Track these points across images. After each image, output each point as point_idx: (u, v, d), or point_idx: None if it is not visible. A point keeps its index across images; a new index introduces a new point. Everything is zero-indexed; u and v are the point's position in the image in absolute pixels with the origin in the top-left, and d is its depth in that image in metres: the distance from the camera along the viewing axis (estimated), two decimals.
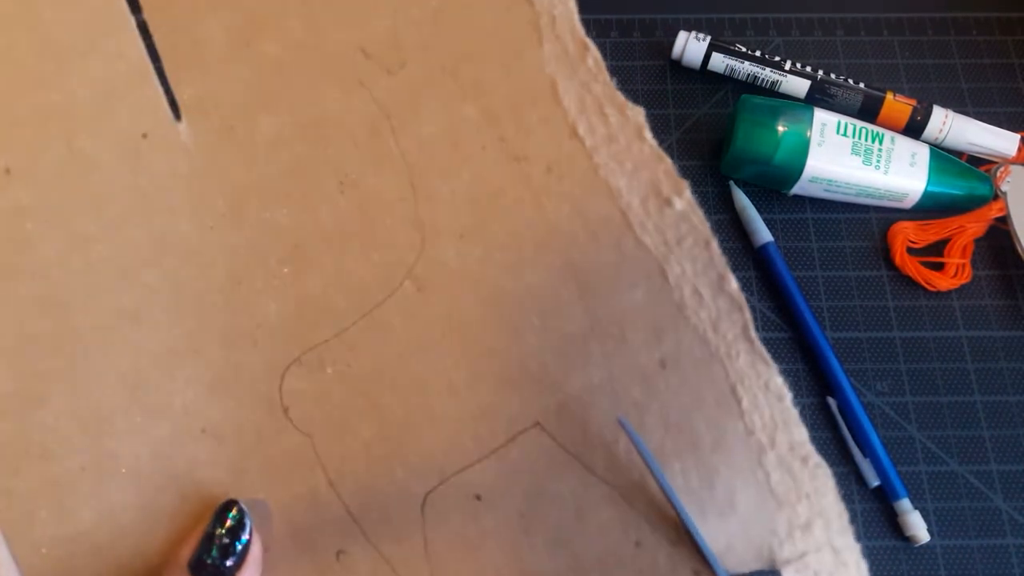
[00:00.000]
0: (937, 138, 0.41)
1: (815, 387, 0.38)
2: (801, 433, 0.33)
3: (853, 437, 0.36)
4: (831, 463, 0.37)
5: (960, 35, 0.45)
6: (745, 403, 0.33)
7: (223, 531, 0.30)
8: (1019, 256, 0.39)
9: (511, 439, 0.34)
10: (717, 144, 0.43)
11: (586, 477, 0.33)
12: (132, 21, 0.38)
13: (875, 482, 0.36)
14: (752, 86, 0.44)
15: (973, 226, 0.40)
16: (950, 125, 0.41)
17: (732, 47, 0.43)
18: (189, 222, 0.36)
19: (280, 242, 0.36)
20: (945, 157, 0.40)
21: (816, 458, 0.32)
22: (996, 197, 0.40)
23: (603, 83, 0.37)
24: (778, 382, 0.33)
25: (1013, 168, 0.40)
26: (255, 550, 0.31)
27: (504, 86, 0.38)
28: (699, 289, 0.35)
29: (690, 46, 0.43)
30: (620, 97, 0.37)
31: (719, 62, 0.43)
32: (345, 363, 0.35)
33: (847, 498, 0.36)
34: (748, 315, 0.34)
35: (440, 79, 0.38)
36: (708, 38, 0.43)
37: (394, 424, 0.34)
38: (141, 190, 0.36)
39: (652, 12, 0.46)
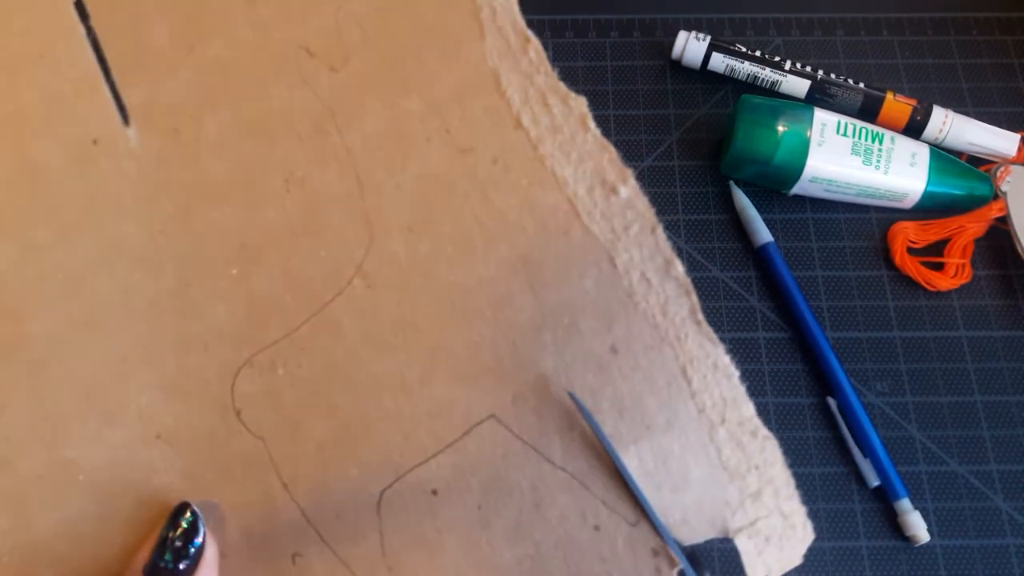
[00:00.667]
0: (937, 138, 0.41)
1: (815, 387, 0.38)
2: (749, 408, 0.34)
3: (853, 437, 0.36)
4: (831, 463, 0.37)
5: (960, 35, 0.45)
6: (695, 383, 0.34)
7: (176, 535, 0.30)
8: (1019, 256, 0.39)
9: (466, 432, 0.34)
10: (717, 144, 0.43)
11: (543, 465, 0.34)
12: (81, 29, 0.38)
13: (875, 482, 0.36)
14: (752, 86, 0.44)
15: (973, 226, 0.40)
16: (950, 125, 0.41)
17: (732, 47, 0.43)
18: (138, 227, 0.36)
19: (227, 243, 0.36)
20: (945, 157, 0.40)
21: (764, 431, 0.33)
22: (996, 197, 0.40)
23: (545, 74, 0.38)
24: (725, 361, 0.34)
25: (1013, 168, 0.40)
26: (209, 553, 0.31)
27: (447, 79, 0.38)
28: (647, 275, 0.35)
29: (690, 46, 0.43)
30: (563, 88, 0.38)
31: (719, 62, 0.43)
32: (296, 363, 0.35)
33: (847, 498, 0.36)
34: (695, 298, 0.34)
35: (383, 74, 0.38)
36: (708, 38, 0.43)
37: (347, 423, 0.34)
38: (92, 196, 0.36)
39: (652, 12, 0.46)
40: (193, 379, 0.34)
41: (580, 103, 0.37)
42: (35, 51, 0.38)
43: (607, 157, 0.37)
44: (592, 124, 0.37)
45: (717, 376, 0.34)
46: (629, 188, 0.36)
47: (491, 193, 0.37)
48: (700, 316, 0.34)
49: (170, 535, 0.30)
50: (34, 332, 0.35)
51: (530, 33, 0.38)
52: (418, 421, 0.34)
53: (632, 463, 0.33)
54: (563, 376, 0.34)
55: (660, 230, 0.35)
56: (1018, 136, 0.41)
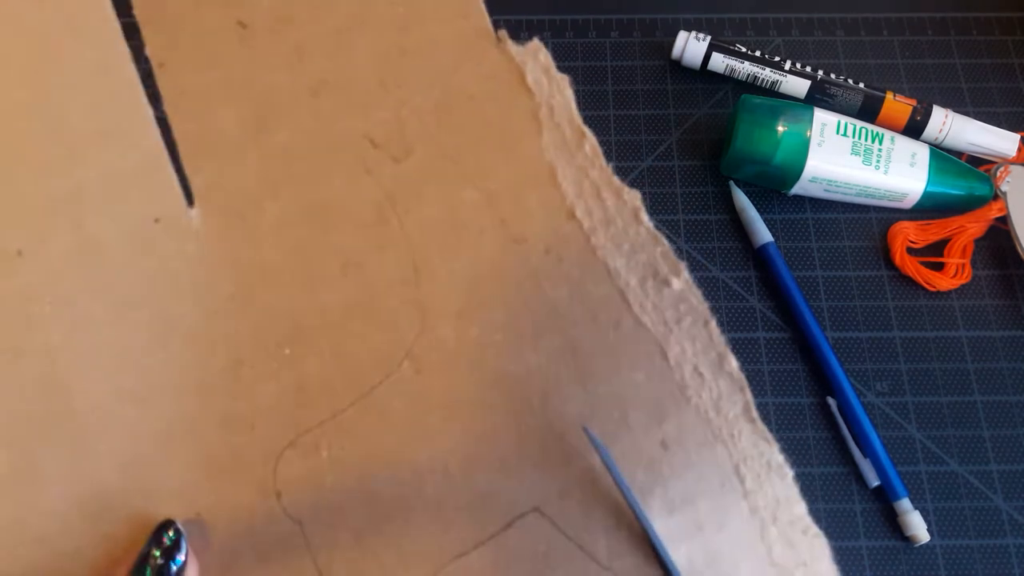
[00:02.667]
0: (937, 138, 0.41)
1: (815, 387, 0.38)
2: (801, 507, 0.33)
3: (853, 437, 0.36)
4: (831, 463, 0.37)
5: (960, 35, 0.45)
6: (748, 483, 0.34)
7: (158, 552, 0.30)
8: (1019, 256, 0.39)
9: (508, 524, 0.33)
10: (717, 144, 0.43)
11: (587, 564, 0.33)
12: (150, 111, 0.39)
13: (875, 482, 0.36)
14: (752, 86, 0.44)
15: (973, 226, 0.40)
16: (950, 125, 0.41)
17: (732, 47, 0.43)
18: (195, 306, 0.36)
19: (282, 324, 0.36)
20: (945, 157, 0.40)
21: (814, 529, 0.33)
22: (996, 197, 0.40)
23: (600, 168, 0.38)
24: (779, 460, 0.34)
25: (1013, 168, 0.40)
26: (191, 571, 0.31)
27: (504, 171, 0.38)
28: (699, 369, 0.35)
29: (690, 46, 0.43)
30: (617, 181, 0.38)
31: (719, 62, 0.43)
32: (340, 447, 0.34)
33: (847, 498, 0.36)
34: (749, 395, 0.34)
35: (443, 166, 0.39)
36: (708, 38, 0.43)
37: (386, 510, 0.34)
38: (150, 274, 0.37)
39: (652, 12, 0.46)
40: (237, 459, 0.34)
41: (634, 196, 0.37)
42: (99, 131, 0.38)
43: (660, 250, 0.37)
44: (645, 217, 0.37)
45: (771, 476, 0.33)
46: (682, 281, 0.36)
47: (543, 282, 0.37)
48: (754, 413, 0.34)
49: (152, 552, 0.30)
50: (80, 406, 0.35)
51: (586, 129, 0.39)
52: (459, 511, 0.33)
53: (681, 561, 0.32)
54: (607, 472, 0.34)
55: (713, 324, 0.35)
56: (1018, 136, 0.41)
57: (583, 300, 0.36)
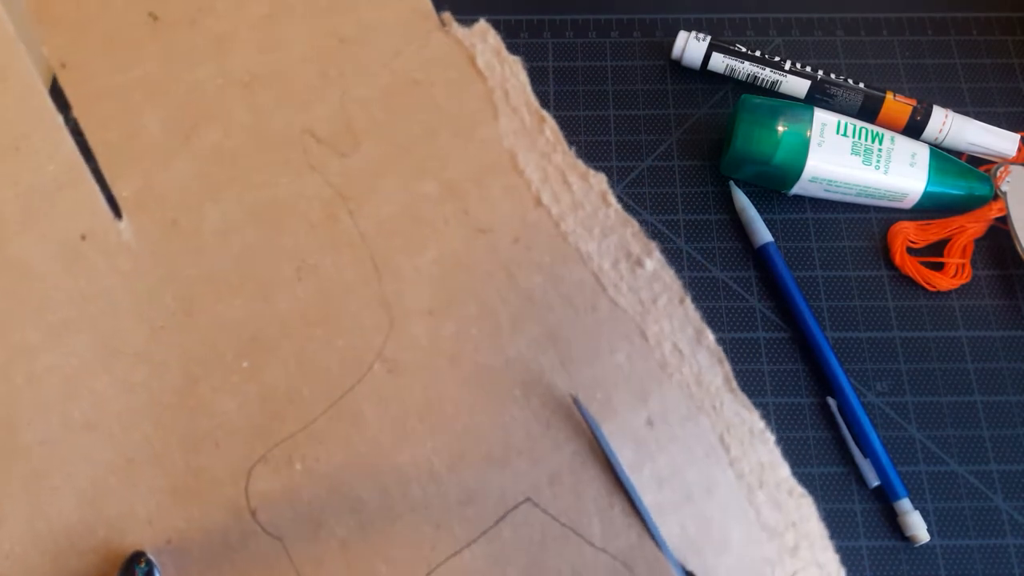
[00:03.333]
0: (937, 138, 0.41)
1: (815, 387, 0.38)
2: (785, 470, 0.34)
3: (853, 437, 0.36)
4: (831, 463, 0.37)
5: (960, 35, 0.45)
6: (733, 450, 0.34)
7: None
8: (1019, 256, 0.39)
9: (501, 518, 0.33)
10: (717, 144, 0.43)
11: (583, 548, 0.32)
12: (60, 119, 0.37)
13: (875, 482, 0.36)
14: (752, 86, 0.44)
15: (973, 226, 0.40)
16: (950, 125, 0.41)
17: (732, 47, 0.43)
18: (137, 323, 0.35)
19: (237, 335, 0.35)
20: (945, 157, 0.40)
21: (800, 489, 0.33)
22: (996, 197, 0.40)
23: (563, 152, 0.37)
24: (761, 426, 0.34)
25: (1013, 168, 0.40)
26: None
27: (463, 160, 0.37)
28: (679, 346, 0.35)
29: (690, 46, 0.43)
30: (581, 165, 0.37)
31: (719, 62, 0.43)
32: (314, 457, 0.33)
33: (847, 498, 0.36)
34: (728, 367, 0.34)
35: (396, 157, 0.37)
36: (708, 38, 0.43)
37: (372, 518, 0.33)
38: (83, 294, 0.35)
39: (652, 12, 0.46)
40: (204, 479, 0.33)
41: (600, 179, 0.37)
42: (9, 144, 0.36)
43: (630, 231, 0.36)
44: (613, 199, 0.37)
45: (754, 441, 0.34)
46: (654, 260, 0.36)
47: (515, 272, 0.36)
48: (734, 384, 0.34)
49: None
50: (28, 441, 0.33)
51: (545, 112, 0.38)
52: (449, 510, 0.33)
53: (674, 530, 0.33)
54: (599, 452, 0.33)
55: (688, 300, 0.35)
56: (1018, 136, 0.41)
57: (557, 286, 0.36)
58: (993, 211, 0.40)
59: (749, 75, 0.43)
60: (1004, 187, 0.40)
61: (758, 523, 0.33)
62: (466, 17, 0.39)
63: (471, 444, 0.34)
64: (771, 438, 0.34)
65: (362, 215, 0.36)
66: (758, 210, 0.40)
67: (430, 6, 0.39)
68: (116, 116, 0.37)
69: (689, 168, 0.42)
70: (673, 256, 0.40)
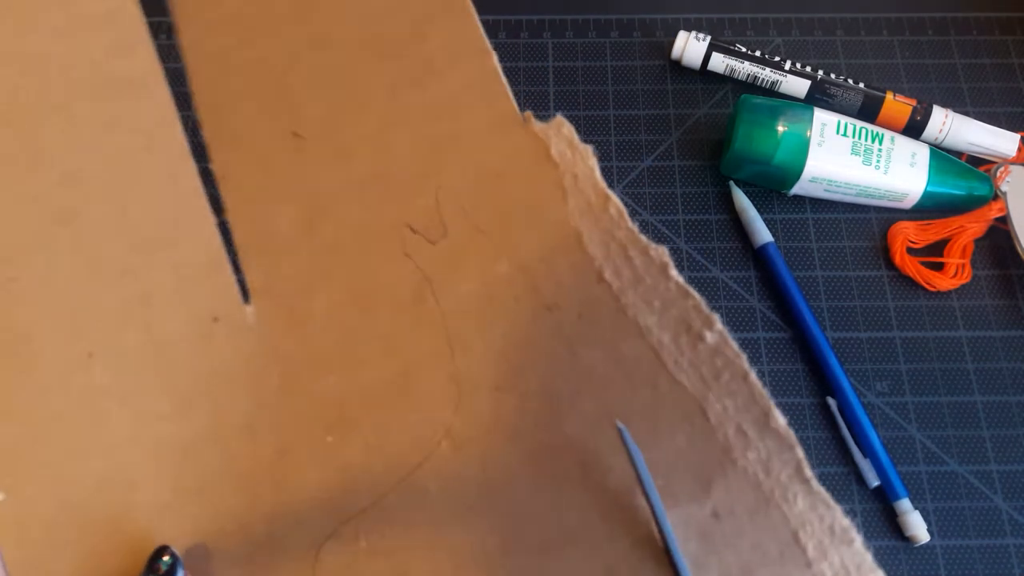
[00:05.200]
0: (937, 138, 0.41)
1: (815, 387, 0.38)
2: (877, 572, 0.32)
3: (853, 437, 0.36)
4: (831, 463, 0.37)
5: (960, 35, 0.45)
6: (811, 551, 0.32)
7: None
8: (1019, 256, 0.39)
9: None
10: (717, 144, 0.43)
11: None
12: (213, 219, 0.41)
13: (875, 482, 0.36)
14: (752, 86, 0.44)
15: (973, 226, 0.40)
16: (950, 125, 0.41)
17: (732, 47, 0.43)
18: (247, 399, 0.37)
19: (326, 411, 0.37)
20: (945, 157, 0.40)
21: None
22: (996, 197, 0.40)
23: (625, 229, 0.39)
24: (844, 524, 0.32)
25: (1013, 168, 0.40)
26: None
27: (534, 241, 0.39)
28: (743, 427, 0.34)
29: (690, 46, 0.43)
30: (643, 240, 0.39)
31: (719, 62, 0.43)
32: (379, 535, 0.34)
33: (847, 498, 0.36)
34: (800, 453, 0.32)
35: (476, 241, 0.40)
36: (708, 38, 0.43)
37: None
38: (209, 370, 0.38)
39: (652, 12, 0.46)
40: (281, 552, 0.34)
41: (661, 252, 0.38)
42: (166, 237, 0.40)
43: (691, 304, 0.37)
44: (674, 272, 0.37)
45: (835, 542, 0.31)
46: (716, 333, 0.36)
47: (577, 347, 0.37)
48: (809, 472, 0.32)
49: None
50: (142, 502, 0.35)
51: (610, 192, 0.40)
52: None
53: None
54: (661, 545, 0.32)
55: (753, 376, 0.34)
56: (1018, 136, 0.41)
57: (617, 362, 0.36)
58: (993, 211, 0.40)
59: (749, 75, 0.43)
60: (1004, 187, 0.40)
61: None
62: (544, 114, 0.43)
63: (526, 527, 0.34)
64: (857, 538, 0.31)
65: (443, 295, 0.39)
66: (758, 210, 0.40)
67: (514, 107, 0.43)
68: (257, 216, 0.41)
69: (689, 168, 0.42)
70: (673, 256, 0.40)
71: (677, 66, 0.45)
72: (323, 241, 0.40)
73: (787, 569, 0.31)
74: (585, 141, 0.43)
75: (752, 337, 0.39)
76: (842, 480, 0.36)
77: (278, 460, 0.36)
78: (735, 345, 0.35)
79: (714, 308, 0.39)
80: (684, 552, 0.32)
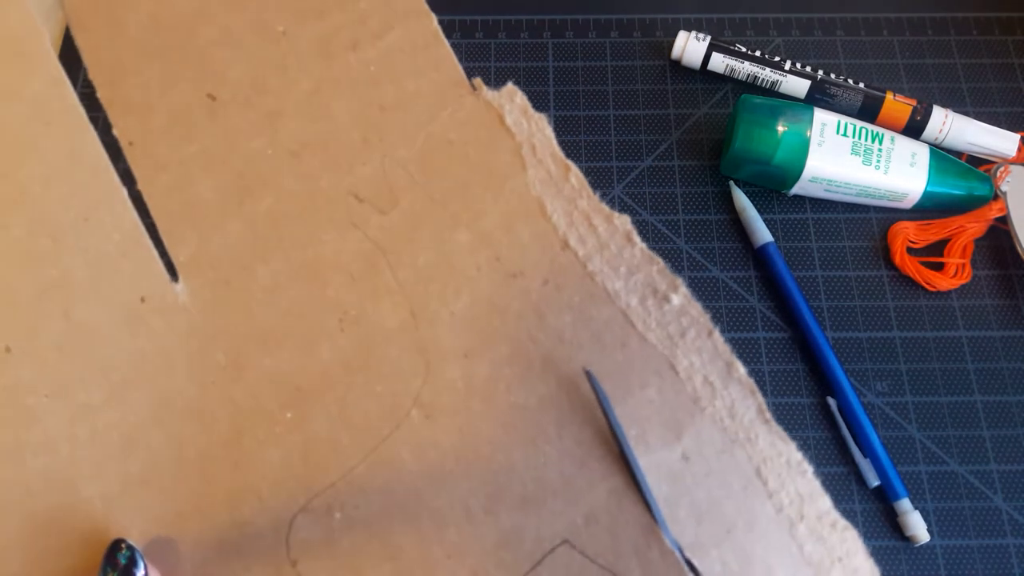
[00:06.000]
0: (937, 138, 0.41)
1: (815, 387, 0.38)
2: (825, 502, 0.33)
3: (853, 437, 0.36)
4: (831, 463, 0.37)
5: (960, 35, 0.45)
6: (771, 483, 0.34)
7: (114, 574, 0.30)
8: (1019, 256, 0.39)
9: (538, 562, 0.33)
10: (717, 144, 0.43)
11: None
12: (124, 192, 0.39)
13: (875, 482, 0.36)
14: (752, 86, 0.44)
15: (973, 226, 0.40)
16: (950, 125, 0.41)
17: (732, 47, 0.43)
18: (190, 380, 0.36)
19: (282, 387, 0.36)
20: (945, 157, 0.40)
21: (843, 522, 0.33)
22: (996, 197, 0.40)
23: (587, 197, 0.39)
24: (798, 457, 0.34)
25: (1013, 168, 0.40)
26: None
27: (494, 210, 0.39)
28: (709, 379, 0.35)
29: (690, 46, 0.43)
30: (606, 208, 0.39)
31: (719, 62, 0.43)
32: (353, 505, 0.34)
33: (847, 498, 0.36)
34: (760, 398, 0.35)
35: (431, 211, 0.39)
36: (708, 38, 0.43)
37: (411, 563, 0.33)
38: (142, 353, 0.37)
39: (652, 12, 0.46)
40: (247, 531, 0.34)
41: (624, 220, 0.38)
42: (79, 217, 0.39)
43: (656, 268, 0.37)
44: (638, 238, 0.38)
45: (792, 473, 0.34)
46: (681, 295, 0.37)
47: (545, 312, 0.37)
48: (768, 415, 0.34)
49: (108, 574, 0.30)
50: (89, 496, 0.34)
51: (569, 162, 0.40)
52: (486, 553, 0.33)
53: (715, 567, 0.32)
54: (634, 489, 0.33)
55: (717, 333, 0.36)
56: (1018, 136, 0.41)
57: (587, 325, 0.37)
58: (993, 211, 0.40)
59: (749, 75, 0.43)
60: (1004, 187, 0.40)
61: (802, 558, 0.33)
62: (495, 82, 0.42)
63: (507, 485, 0.34)
64: (809, 469, 0.33)
65: (400, 266, 0.38)
66: (758, 210, 0.40)
67: (462, 75, 0.42)
68: (176, 187, 0.39)
69: (689, 168, 0.42)
70: (673, 256, 0.40)
71: (677, 66, 0.45)
72: (255, 211, 0.39)
73: (750, 500, 0.33)
74: (585, 141, 0.43)
75: (752, 337, 0.39)
76: (842, 480, 0.36)
77: (234, 440, 0.35)
78: (699, 306, 0.36)
79: (714, 308, 0.39)
80: (656, 493, 0.33)
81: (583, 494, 0.34)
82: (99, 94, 0.41)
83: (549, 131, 0.40)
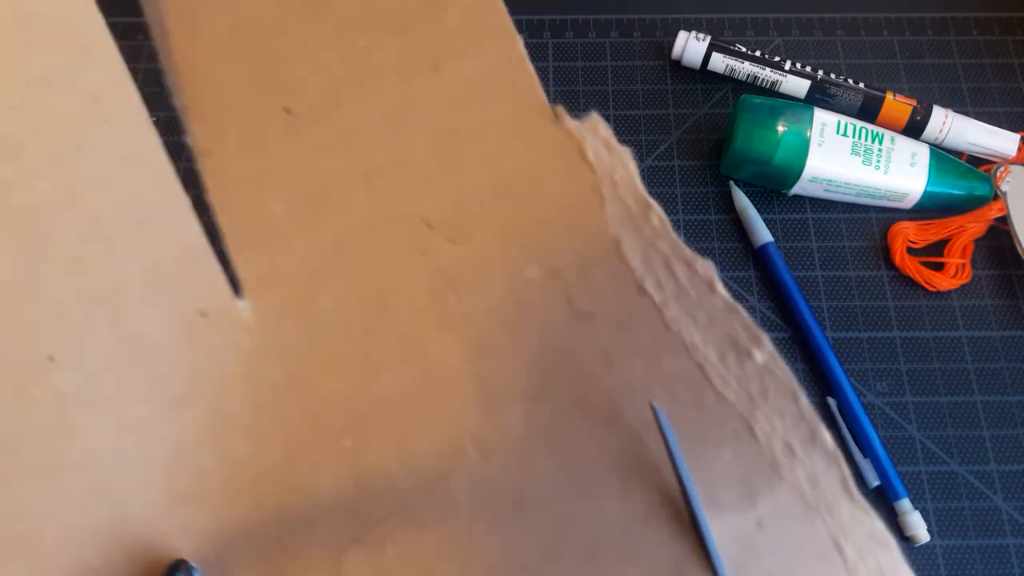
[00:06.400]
0: (937, 138, 0.41)
1: (815, 387, 0.38)
2: (907, 574, 0.32)
3: (853, 437, 0.36)
4: None
5: (960, 35, 0.45)
6: (849, 555, 0.32)
7: None
8: (1019, 256, 0.39)
9: None
10: (717, 144, 0.43)
11: None
12: (186, 200, 0.37)
13: (875, 482, 0.36)
14: (752, 86, 0.44)
15: (973, 226, 0.40)
16: (950, 125, 0.41)
17: (732, 47, 0.43)
18: (246, 400, 0.35)
19: (340, 414, 0.35)
20: (945, 157, 0.40)
21: None
22: (996, 197, 0.40)
23: (669, 240, 0.36)
24: (881, 529, 0.32)
25: (1013, 168, 0.40)
26: None
27: (568, 247, 0.37)
28: (791, 445, 0.33)
29: (690, 46, 0.43)
30: (688, 252, 0.36)
31: (719, 62, 0.43)
32: (407, 542, 0.33)
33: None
34: (846, 469, 0.33)
35: (503, 244, 0.37)
36: (708, 38, 0.43)
37: None
38: (198, 369, 0.35)
39: (652, 12, 0.46)
40: (296, 560, 0.33)
41: (707, 266, 0.36)
42: (135, 222, 0.37)
43: (739, 320, 0.35)
44: (720, 287, 0.36)
45: (873, 547, 0.32)
46: (765, 352, 0.34)
47: (615, 359, 0.35)
48: (852, 487, 0.33)
49: None
50: (134, 514, 0.33)
51: (652, 200, 0.37)
52: None
53: None
54: (703, 554, 0.32)
55: (803, 396, 0.34)
56: (1018, 136, 0.41)
57: (660, 376, 0.35)
58: (993, 211, 0.40)
59: (749, 75, 0.43)
60: (1004, 187, 0.40)
61: None
62: (580, 113, 0.40)
63: (565, 538, 0.33)
64: (893, 542, 0.32)
65: (467, 299, 0.36)
66: (758, 210, 0.40)
67: (544, 101, 0.39)
68: (246, 200, 0.38)
69: (689, 168, 0.42)
70: None
71: (677, 66, 0.45)
72: (325, 231, 0.38)
73: (826, 569, 0.32)
74: None
75: None
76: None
77: (287, 464, 0.34)
78: (784, 364, 0.34)
79: None
80: (727, 557, 0.32)
81: (645, 555, 0.32)
82: (175, 100, 0.39)
83: (632, 166, 0.38)
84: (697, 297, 0.36)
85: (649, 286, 0.36)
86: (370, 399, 0.35)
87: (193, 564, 0.30)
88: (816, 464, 0.33)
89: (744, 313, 0.35)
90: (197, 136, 0.39)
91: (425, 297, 0.37)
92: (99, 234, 0.37)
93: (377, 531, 0.33)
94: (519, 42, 0.40)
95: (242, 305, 0.36)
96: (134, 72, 0.39)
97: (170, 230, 0.37)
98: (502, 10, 0.41)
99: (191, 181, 0.37)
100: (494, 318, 0.36)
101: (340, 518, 0.33)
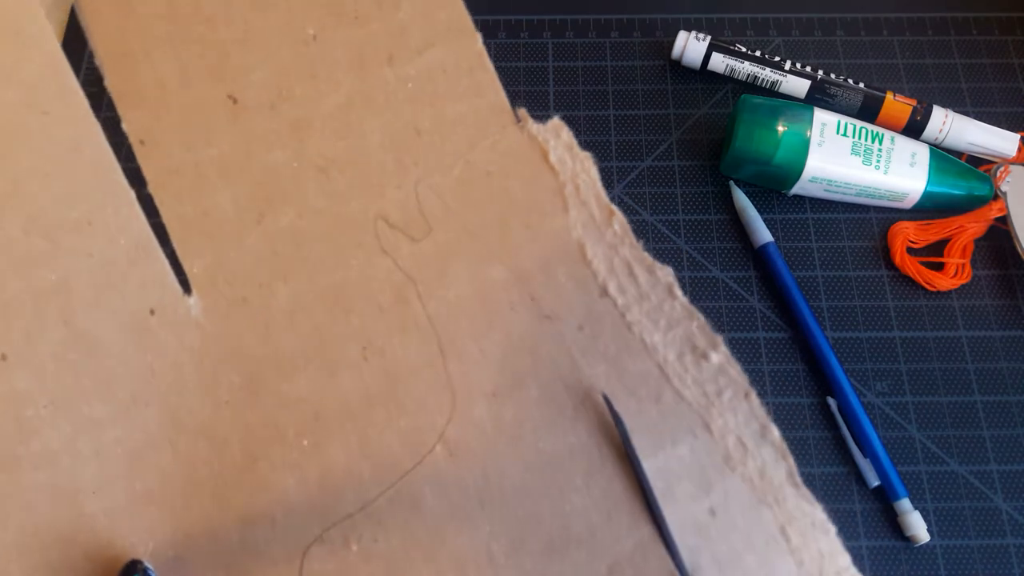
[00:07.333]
0: (937, 138, 0.41)
1: (815, 387, 0.38)
2: (845, 559, 0.34)
3: (853, 437, 0.36)
4: (831, 463, 0.37)
5: (960, 35, 0.45)
6: (794, 540, 0.34)
7: None
8: (1019, 256, 0.39)
9: None
10: (717, 144, 0.43)
11: None
12: (132, 194, 0.37)
13: (875, 482, 0.36)
14: (752, 86, 0.44)
15: (973, 226, 0.40)
16: (950, 125, 0.41)
17: (732, 47, 0.43)
18: (202, 399, 0.35)
19: (299, 413, 0.35)
20: (945, 157, 0.40)
21: None
22: (996, 197, 0.40)
23: (630, 246, 0.38)
24: (823, 518, 0.34)
25: (1013, 168, 0.40)
26: None
27: (531, 248, 0.38)
28: (743, 440, 0.35)
29: (690, 46, 0.43)
30: (648, 258, 0.38)
31: (719, 62, 0.43)
32: (372, 539, 0.33)
33: (847, 498, 0.36)
34: (792, 462, 0.35)
35: (466, 243, 0.38)
36: (708, 38, 0.43)
37: None
38: (151, 369, 0.35)
39: (652, 12, 0.46)
40: (259, 558, 0.33)
41: (667, 272, 0.37)
42: (81, 219, 0.36)
43: (696, 324, 0.37)
44: (679, 292, 0.37)
45: (815, 533, 0.34)
46: (720, 354, 0.36)
47: (578, 359, 0.36)
48: (798, 479, 0.34)
49: None
50: (93, 511, 0.33)
51: (614, 207, 0.38)
52: None
53: None
54: (660, 542, 0.33)
55: (754, 395, 0.36)
56: (1018, 136, 0.41)
57: (621, 376, 0.36)
58: (993, 211, 0.40)
59: (749, 75, 0.43)
60: (1004, 187, 0.40)
61: None
62: (541, 113, 0.40)
63: (531, 531, 0.33)
64: (832, 529, 0.34)
65: (430, 298, 0.37)
66: (758, 210, 0.40)
67: (507, 103, 0.40)
68: (190, 193, 0.37)
69: (689, 168, 0.42)
70: (673, 256, 0.40)
71: (677, 66, 0.45)
72: (277, 226, 0.37)
73: (772, 555, 0.33)
74: (585, 141, 0.43)
75: (752, 337, 0.39)
76: (842, 480, 0.36)
77: (248, 464, 0.34)
78: (738, 366, 0.36)
79: (714, 308, 0.39)
80: (681, 545, 0.33)
81: (608, 545, 0.33)
82: (107, 84, 0.38)
83: (594, 172, 0.39)
84: (657, 301, 0.37)
85: (612, 289, 0.37)
86: (330, 399, 0.35)
87: (148, 564, 0.30)
88: (765, 457, 0.35)
89: (700, 316, 0.36)
90: (131, 123, 0.37)
91: (386, 296, 0.37)
92: (43, 230, 0.36)
93: (340, 528, 0.33)
94: (478, 40, 0.40)
95: (191, 302, 0.36)
96: (76, 68, 0.38)
97: (116, 225, 0.36)
98: (460, 7, 0.40)
99: (136, 178, 0.36)
100: (458, 318, 0.37)
101: (302, 516, 0.33)
